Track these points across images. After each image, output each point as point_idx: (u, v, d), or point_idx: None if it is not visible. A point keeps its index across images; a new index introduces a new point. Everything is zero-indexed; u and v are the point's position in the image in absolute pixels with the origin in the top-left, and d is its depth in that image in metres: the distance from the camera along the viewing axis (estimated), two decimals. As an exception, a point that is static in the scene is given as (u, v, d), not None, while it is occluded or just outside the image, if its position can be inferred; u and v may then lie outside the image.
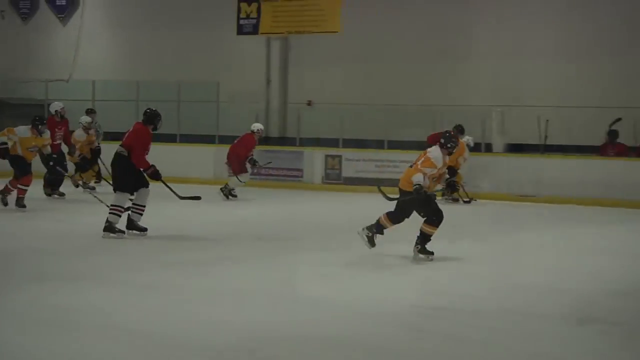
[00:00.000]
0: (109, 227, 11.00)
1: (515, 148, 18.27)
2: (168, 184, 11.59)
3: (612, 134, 17.17)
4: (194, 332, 6.41)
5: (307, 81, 21.81)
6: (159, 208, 12.21)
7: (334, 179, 18.98)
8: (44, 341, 6.12)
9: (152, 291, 7.89)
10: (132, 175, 11.14)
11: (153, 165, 11.18)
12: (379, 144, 19.06)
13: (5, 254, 9.85)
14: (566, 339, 6.50)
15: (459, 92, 19.92)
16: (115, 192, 11.19)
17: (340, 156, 19.03)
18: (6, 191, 14.08)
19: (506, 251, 10.95)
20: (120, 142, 11.26)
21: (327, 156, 19.19)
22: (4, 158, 14.13)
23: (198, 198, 11.86)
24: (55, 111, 16.46)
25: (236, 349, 6.00)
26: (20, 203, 13.85)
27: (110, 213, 11.06)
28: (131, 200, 11.14)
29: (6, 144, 13.95)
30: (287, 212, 15.07)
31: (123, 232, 11.04)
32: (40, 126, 14.12)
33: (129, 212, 11.12)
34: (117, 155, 11.15)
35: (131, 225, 11.12)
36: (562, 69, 19.18)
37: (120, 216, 11.03)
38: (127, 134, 11.23)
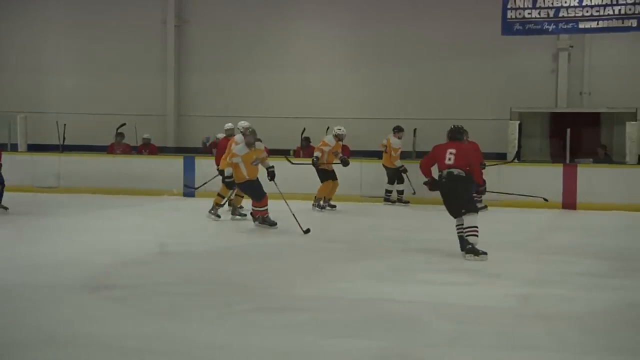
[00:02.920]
0: (472, 250, 8.43)
1: (38, 148, 17.63)
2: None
3: (120, 135, 17.25)
4: None
5: None
6: None
7: None
8: None
9: None
10: (471, 193, 8.79)
11: (485, 181, 9.34)
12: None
13: None
14: (81, 304, 6.29)
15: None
16: (465, 214, 8.49)
17: None
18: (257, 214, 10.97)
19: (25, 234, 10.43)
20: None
21: None
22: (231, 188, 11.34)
23: None
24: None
25: None
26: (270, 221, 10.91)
27: (468, 235, 8.45)
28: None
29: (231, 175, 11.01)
30: None
31: (485, 253, 8.43)
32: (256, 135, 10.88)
33: (465, 235, 8.53)
34: (455, 176, 8.56)
35: (470, 248, 8.53)
36: (71, 81, 19.25)
37: (477, 236, 8.44)
38: (464, 154, 8.64)
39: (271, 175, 10.81)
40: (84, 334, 5.36)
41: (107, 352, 4.98)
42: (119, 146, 17.15)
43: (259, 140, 10.98)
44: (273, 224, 10.77)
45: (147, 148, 17.39)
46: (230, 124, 13.15)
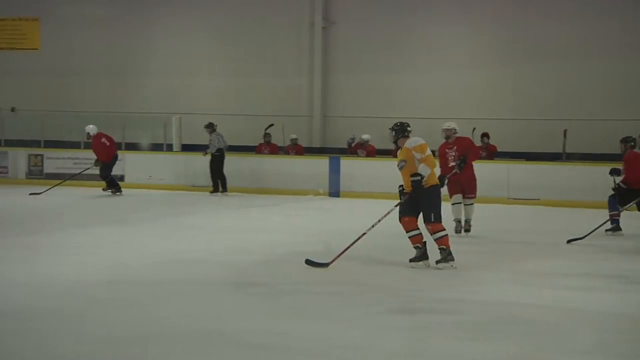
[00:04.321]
0: None
1: (191, 148, 18.40)
2: None
3: (267, 136, 17.75)
4: None
5: (11, 90, 20.78)
6: None
7: (37, 174, 18.14)
8: None
9: None
10: None
11: None
12: (76, 145, 18.52)
13: None
14: (223, 301, 6.54)
15: (143, 100, 20.12)
16: None
17: (42, 155, 18.26)
18: None
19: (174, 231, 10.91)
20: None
21: (30, 155, 18.33)
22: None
23: None
24: None
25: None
26: None
27: None
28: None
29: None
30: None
31: None
32: None
33: None
34: None
35: None
36: (226, 82, 19.97)
37: None
38: None
39: (413, 184, 7.94)
40: (224, 330, 5.57)
41: (247, 348, 5.15)
42: (267, 146, 17.66)
43: (406, 136, 8.22)
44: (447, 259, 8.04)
45: (294, 148, 17.79)
46: (449, 122, 10.77)
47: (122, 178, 17.43)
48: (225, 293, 6.84)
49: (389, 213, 8.11)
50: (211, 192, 16.14)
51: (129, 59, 20.41)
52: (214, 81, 20.19)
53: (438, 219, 7.95)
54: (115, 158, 15.82)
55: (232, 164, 16.61)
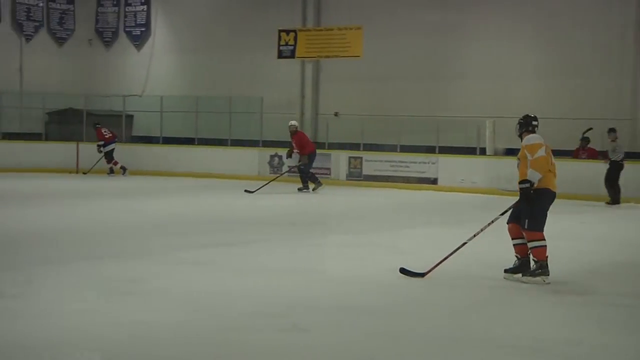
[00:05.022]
0: None
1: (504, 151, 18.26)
2: None
3: (585, 140, 17.11)
4: (229, 301, 6.39)
5: (335, 96, 22.04)
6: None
7: (356, 176, 19.16)
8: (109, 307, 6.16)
9: (199, 267, 7.89)
10: None
11: None
12: (392, 148, 19.25)
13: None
14: (543, 306, 6.57)
15: (457, 104, 20.21)
16: None
17: (361, 157, 19.23)
18: None
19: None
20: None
21: (350, 157, 19.45)
22: None
23: None
24: None
25: (267, 315, 6.00)
26: None
27: None
28: None
29: None
30: (316, 203, 15.19)
31: None
32: None
33: None
34: None
35: None
36: (540, 85, 19.44)
37: None
38: None
39: (520, 192, 7.36)
40: (533, 337, 5.58)
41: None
42: (583, 152, 17.00)
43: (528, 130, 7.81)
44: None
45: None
46: None
47: (435, 181, 17.79)
48: (539, 300, 6.81)
49: (493, 222, 7.67)
50: (607, 202, 15.32)
51: (446, 63, 20.57)
52: (528, 84, 19.71)
53: (533, 226, 7.26)
54: (315, 152, 16.81)
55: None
